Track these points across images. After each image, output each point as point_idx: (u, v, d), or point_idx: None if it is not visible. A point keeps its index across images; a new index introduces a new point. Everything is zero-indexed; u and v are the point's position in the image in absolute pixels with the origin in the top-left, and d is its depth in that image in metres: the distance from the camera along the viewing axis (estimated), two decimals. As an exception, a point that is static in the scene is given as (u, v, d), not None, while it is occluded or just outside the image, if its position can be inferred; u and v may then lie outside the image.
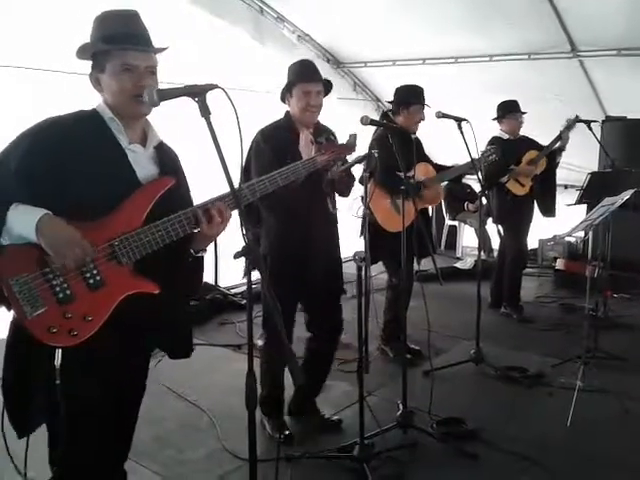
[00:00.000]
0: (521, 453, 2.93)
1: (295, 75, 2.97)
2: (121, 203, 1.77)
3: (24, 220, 1.62)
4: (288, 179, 2.08)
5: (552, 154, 5.04)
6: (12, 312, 1.66)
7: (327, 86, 3.03)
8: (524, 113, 5.04)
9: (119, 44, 1.79)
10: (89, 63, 1.88)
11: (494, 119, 5.12)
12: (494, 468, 2.85)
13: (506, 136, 5.07)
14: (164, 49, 1.89)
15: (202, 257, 1.99)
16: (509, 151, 4.91)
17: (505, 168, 4.89)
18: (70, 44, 1.92)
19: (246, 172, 2.73)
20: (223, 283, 5.74)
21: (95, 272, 1.71)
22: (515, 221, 5.10)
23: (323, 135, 2.91)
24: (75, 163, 1.72)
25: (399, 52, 6.50)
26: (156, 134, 1.96)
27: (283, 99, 3.03)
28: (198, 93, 1.66)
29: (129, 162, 1.84)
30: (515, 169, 4.95)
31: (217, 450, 3.00)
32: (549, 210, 5.23)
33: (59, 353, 1.67)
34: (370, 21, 5.91)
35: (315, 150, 2.38)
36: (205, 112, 1.66)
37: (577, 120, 4.74)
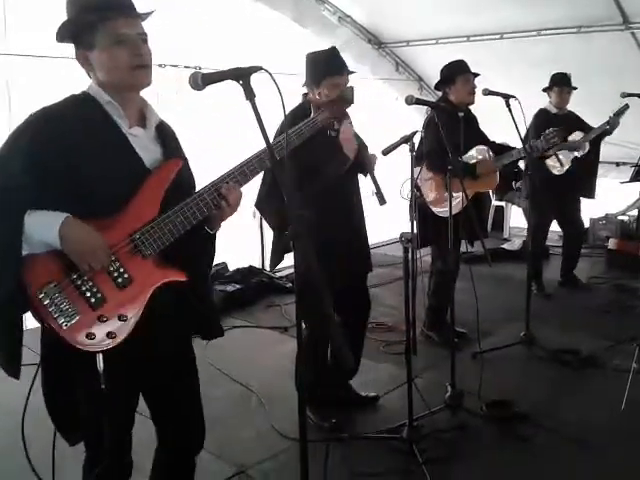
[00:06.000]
0: (572, 436, 2.87)
1: (327, 67, 2.93)
2: (134, 194, 1.68)
3: (44, 227, 1.54)
4: (293, 143, 2.00)
5: (597, 138, 4.88)
6: (43, 324, 1.60)
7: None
8: (574, 89, 4.89)
9: (104, 12, 1.63)
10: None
11: (544, 89, 5.01)
12: (544, 451, 2.81)
13: (554, 110, 4.95)
14: (151, 12, 1.73)
15: (214, 235, 1.91)
16: (554, 126, 4.77)
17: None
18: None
19: None
20: (269, 266, 5.79)
21: (122, 270, 1.65)
22: (547, 199, 4.90)
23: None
24: (78, 157, 1.61)
25: (442, 30, 6.35)
26: (155, 113, 1.83)
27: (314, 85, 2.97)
28: (242, 76, 1.64)
29: (133, 148, 1.72)
30: (560, 145, 4.79)
31: (267, 430, 3.05)
32: (588, 192, 5.08)
33: (100, 357, 1.63)
34: (412, -1, 5.81)
35: (314, 112, 2.32)
36: (250, 95, 1.65)
37: (626, 107, 4.57)
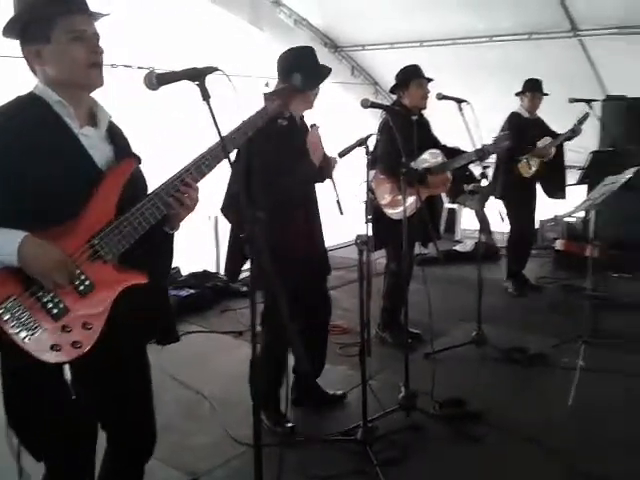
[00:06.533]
0: (522, 434, 2.93)
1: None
2: (89, 197, 1.62)
3: (2, 246, 1.48)
4: (247, 133, 1.96)
5: (560, 143, 5.09)
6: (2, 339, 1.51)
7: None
8: (545, 95, 5.09)
9: (63, 6, 1.61)
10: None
11: (517, 94, 5.17)
12: (496, 449, 2.86)
13: (526, 114, 5.14)
14: (106, 14, 1.71)
15: (173, 235, 1.88)
16: (524, 130, 4.94)
17: (523, 146, 4.92)
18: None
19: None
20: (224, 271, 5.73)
21: (83, 277, 1.60)
22: (519, 201, 5.17)
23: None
24: (29, 160, 1.55)
25: (397, 34, 6.44)
26: (106, 112, 1.78)
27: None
28: (198, 76, 1.64)
29: (85, 149, 1.67)
30: (533, 150, 4.99)
31: (220, 436, 3.00)
32: (559, 192, 5.28)
33: (66, 368, 1.60)
34: (367, 3, 5.85)
35: (263, 100, 2.32)
36: (205, 95, 1.65)
37: (587, 115, 4.74)
